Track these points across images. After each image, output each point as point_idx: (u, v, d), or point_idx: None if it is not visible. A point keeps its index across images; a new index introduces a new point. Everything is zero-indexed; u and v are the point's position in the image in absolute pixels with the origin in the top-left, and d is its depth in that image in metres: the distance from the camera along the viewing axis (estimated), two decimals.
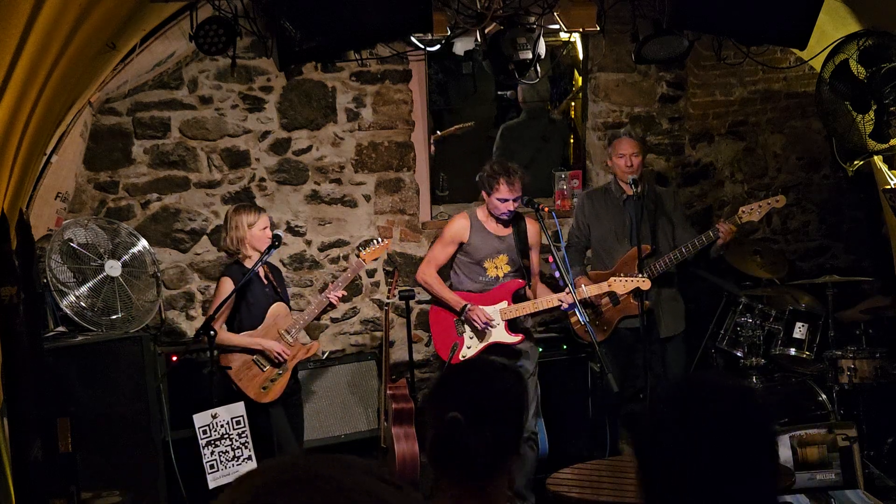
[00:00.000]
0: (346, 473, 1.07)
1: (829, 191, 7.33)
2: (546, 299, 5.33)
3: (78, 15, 3.16)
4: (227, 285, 5.11)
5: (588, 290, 5.37)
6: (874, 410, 5.59)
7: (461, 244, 5.45)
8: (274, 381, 5.13)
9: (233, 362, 5.09)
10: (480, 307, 5.33)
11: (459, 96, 7.52)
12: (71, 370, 4.99)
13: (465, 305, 5.33)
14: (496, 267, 5.42)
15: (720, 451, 1.65)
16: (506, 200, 5.26)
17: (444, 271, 5.62)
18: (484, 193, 5.38)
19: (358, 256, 5.43)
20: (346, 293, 5.42)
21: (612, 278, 5.30)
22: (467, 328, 5.38)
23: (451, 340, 5.37)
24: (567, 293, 5.18)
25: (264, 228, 5.18)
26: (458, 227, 5.46)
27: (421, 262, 5.64)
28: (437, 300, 5.51)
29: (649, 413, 1.77)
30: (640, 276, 5.28)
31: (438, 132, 7.10)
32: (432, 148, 6.75)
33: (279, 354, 5.10)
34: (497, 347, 5.36)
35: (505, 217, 5.37)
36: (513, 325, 5.38)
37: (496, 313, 5.35)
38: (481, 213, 5.48)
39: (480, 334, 5.36)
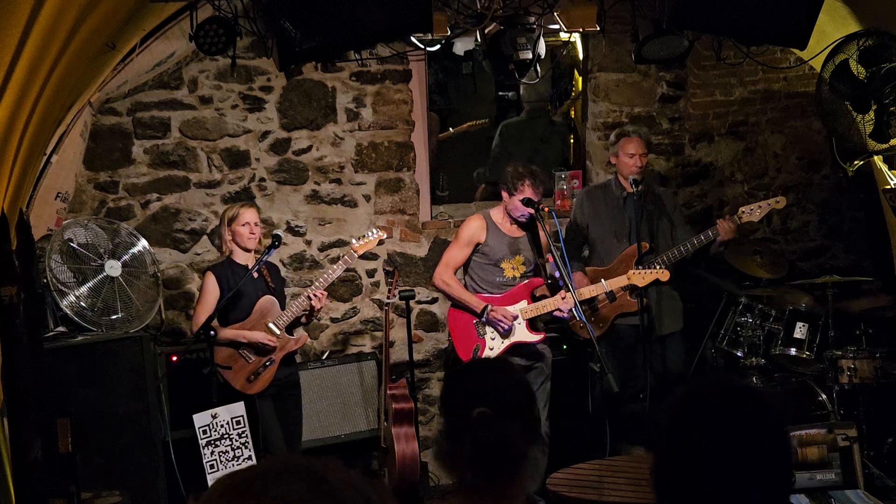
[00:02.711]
0: (334, 470, 1.08)
1: (829, 191, 7.33)
2: (557, 298, 5.33)
3: (78, 15, 3.16)
4: (210, 280, 5.14)
5: (603, 286, 5.35)
6: (874, 410, 5.59)
7: (477, 245, 5.46)
8: (259, 373, 5.12)
9: (219, 355, 5.08)
10: (502, 307, 5.34)
11: (459, 96, 7.51)
12: (71, 370, 5.00)
13: (487, 307, 5.34)
14: (513, 267, 5.44)
15: (738, 453, 1.65)
16: (529, 202, 5.29)
17: (457, 276, 5.61)
18: (505, 194, 5.39)
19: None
20: (326, 293, 5.29)
21: (630, 271, 5.31)
22: (488, 329, 5.38)
23: (472, 343, 5.38)
24: (565, 295, 5.19)
25: (245, 224, 5.15)
26: (475, 227, 5.47)
27: (437, 266, 5.61)
28: (456, 303, 5.51)
29: (660, 416, 1.77)
30: (658, 267, 5.29)
31: (451, 129, 7.09)
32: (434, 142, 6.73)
33: (265, 343, 5.10)
34: (517, 348, 5.38)
35: (523, 220, 5.39)
36: (533, 324, 5.40)
37: (517, 312, 5.36)
38: (496, 214, 5.50)
39: (503, 334, 5.36)
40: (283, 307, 5.25)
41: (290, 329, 5.27)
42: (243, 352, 5.13)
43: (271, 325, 5.14)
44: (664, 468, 1.71)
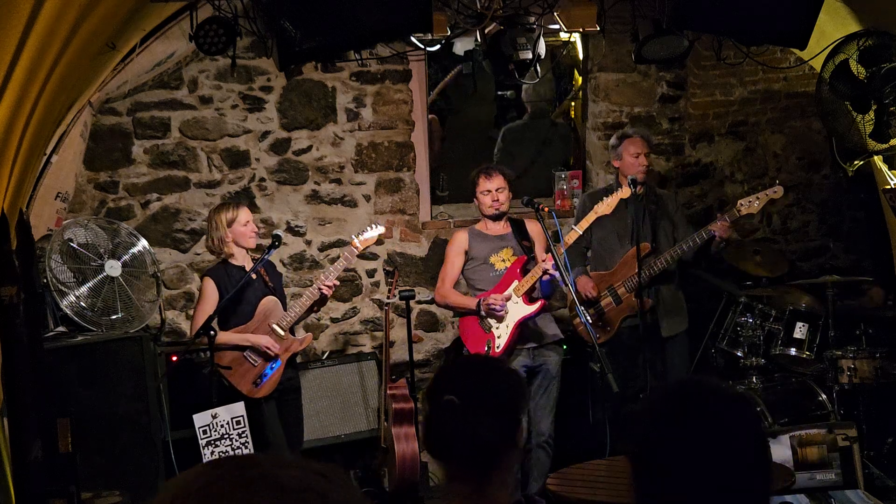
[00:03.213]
0: (287, 470, 1.02)
1: (829, 191, 7.33)
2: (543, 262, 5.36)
3: (78, 15, 3.16)
4: (210, 286, 5.06)
5: (576, 231, 5.36)
6: (874, 410, 5.59)
7: (465, 252, 5.58)
8: (266, 375, 5.07)
9: (223, 358, 5.02)
10: (492, 294, 5.38)
11: (459, 96, 7.51)
12: (71, 370, 4.99)
13: (479, 300, 5.41)
14: (503, 260, 5.53)
15: (712, 455, 1.65)
16: (488, 192, 5.46)
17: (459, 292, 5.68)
18: (474, 199, 5.59)
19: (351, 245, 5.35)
20: (338, 282, 5.28)
21: (595, 206, 5.33)
22: (491, 321, 5.43)
23: (483, 341, 5.42)
24: (545, 257, 5.23)
25: (246, 223, 5.10)
26: (459, 239, 5.64)
27: (436, 287, 5.69)
28: (459, 312, 5.63)
29: (643, 415, 1.77)
30: (621, 188, 5.37)
31: (431, 93, 7.07)
32: (435, 132, 6.71)
33: (269, 348, 5.04)
34: (527, 348, 5.42)
35: (493, 212, 5.50)
36: (530, 298, 5.43)
37: (510, 292, 5.40)
38: (479, 224, 5.67)
39: (503, 319, 5.39)
40: (284, 307, 5.21)
41: (291, 329, 5.23)
42: (248, 355, 5.06)
43: (275, 327, 5.10)
44: (641, 472, 1.70)
